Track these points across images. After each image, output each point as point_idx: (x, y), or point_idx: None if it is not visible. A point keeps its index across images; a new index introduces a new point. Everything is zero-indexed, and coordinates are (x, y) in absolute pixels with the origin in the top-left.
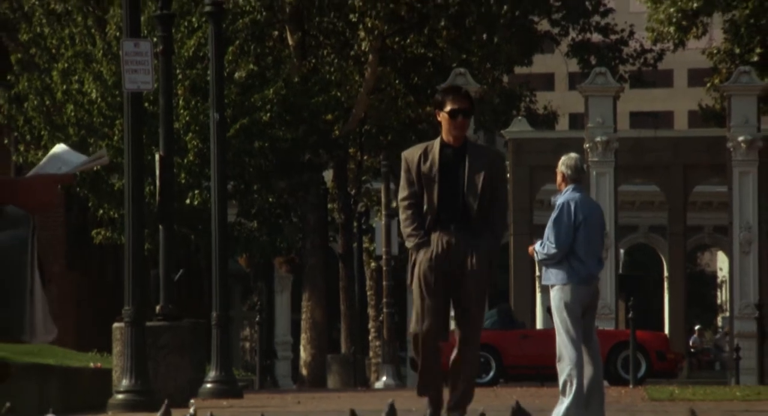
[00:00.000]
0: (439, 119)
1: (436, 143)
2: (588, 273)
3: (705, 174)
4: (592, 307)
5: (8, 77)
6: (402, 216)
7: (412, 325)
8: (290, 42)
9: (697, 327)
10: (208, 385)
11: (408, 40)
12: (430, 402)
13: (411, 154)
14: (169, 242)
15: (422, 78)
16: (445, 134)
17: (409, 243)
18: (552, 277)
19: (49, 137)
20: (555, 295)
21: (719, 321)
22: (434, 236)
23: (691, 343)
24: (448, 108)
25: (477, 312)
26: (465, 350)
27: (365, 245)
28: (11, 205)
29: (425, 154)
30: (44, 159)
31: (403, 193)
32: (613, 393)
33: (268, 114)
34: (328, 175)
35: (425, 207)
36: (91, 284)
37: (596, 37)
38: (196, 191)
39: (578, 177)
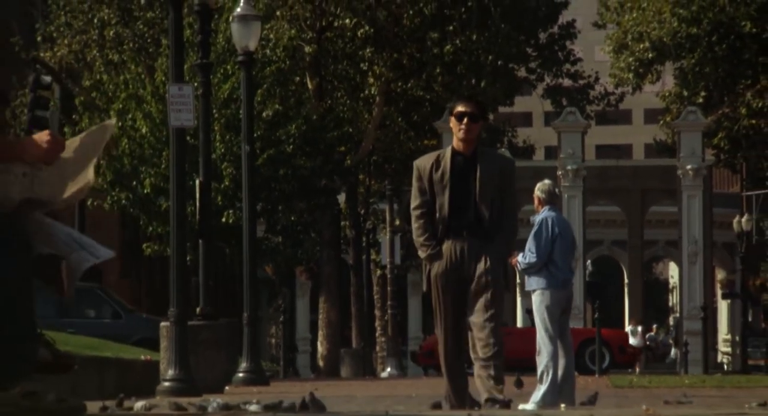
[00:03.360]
0: (451, 125)
1: (448, 151)
2: (564, 278)
3: (659, 197)
4: (568, 308)
5: (73, 116)
6: (414, 225)
7: (437, 331)
8: (310, 86)
9: (654, 326)
10: (240, 375)
11: (409, 85)
12: (456, 394)
13: (423, 162)
14: (208, 254)
15: (421, 116)
16: (455, 141)
17: (422, 253)
18: (533, 283)
19: (107, 166)
20: (536, 299)
21: (671, 321)
22: (446, 245)
23: (648, 340)
24: (455, 111)
25: (493, 312)
26: (486, 340)
27: (372, 256)
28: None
29: (437, 162)
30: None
31: (415, 202)
32: (582, 381)
33: (291, 146)
34: (341, 197)
35: (437, 215)
36: (142, 290)
37: (567, 82)
38: (230, 211)
39: (551, 200)
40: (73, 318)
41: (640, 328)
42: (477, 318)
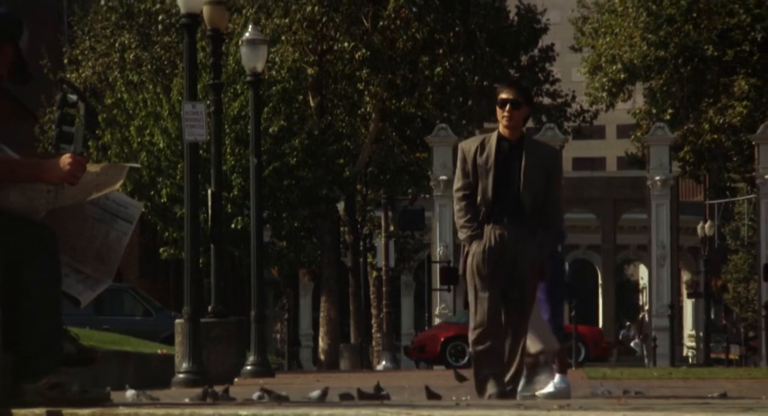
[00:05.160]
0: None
1: (494, 135)
2: None
3: (630, 205)
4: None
5: (97, 132)
6: (456, 207)
7: (471, 319)
8: (312, 104)
9: (627, 323)
10: (248, 367)
11: (402, 103)
12: (495, 381)
13: (468, 145)
14: (219, 257)
15: (413, 131)
16: (500, 127)
17: (462, 235)
18: None
19: (126, 178)
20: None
21: (645, 318)
22: (487, 229)
23: (621, 336)
24: (498, 98)
25: (526, 301)
26: (512, 339)
27: (369, 259)
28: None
29: (482, 146)
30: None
31: (457, 184)
32: None
33: (295, 159)
34: (341, 206)
35: (479, 199)
36: (159, 290)
37: (546, 100)
38: (239, 218)
39: None
40: (107, 316)
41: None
42: (507, 331)
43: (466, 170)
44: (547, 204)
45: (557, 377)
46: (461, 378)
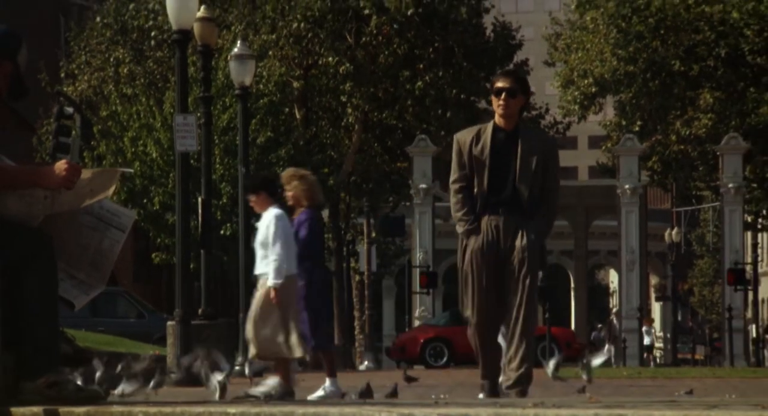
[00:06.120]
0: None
1: (489, 126)
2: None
3: (601, 212)
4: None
5: (92, 142)
6: (452, 200)
7: (467, 312)
8: (297, 116)
9: (599, 326)
10: (237, 368)
11: (384, 115)
12: (488, 379)
13: (463, 136)
14: (208, 262)
15: (394, 142)
16: (496, 116)
17: (459, 228)
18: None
19: (120, 186)
20: None
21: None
22: (484, 221)
23: (592, 338)
24: (493, 87)
25: (528, 288)
26: (516, 327)
27: (352, 264)
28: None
29: (477, 136)
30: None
31: (453, 176)
32: (533, 373)
33: (281, 168)
34: (325, 213)
35: (476, 190)
36: (152, 293)
37: None
38: (228, 225)
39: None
40: (102, 318)
41: (645, 328)
42: (511, 329)
43: (461, 161)
44: (544, 192)
45: (327, 381)
46: (410, 379)
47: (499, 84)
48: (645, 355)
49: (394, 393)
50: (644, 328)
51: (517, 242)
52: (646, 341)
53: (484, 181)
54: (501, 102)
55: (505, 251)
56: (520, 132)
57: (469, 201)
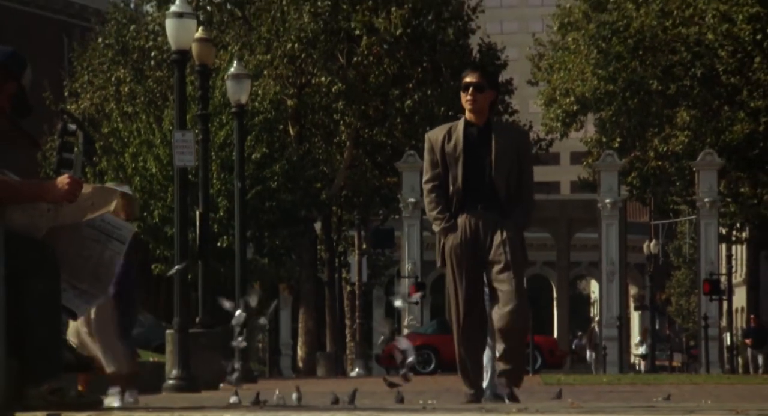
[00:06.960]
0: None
1: (460, 122)
2: None
3: (582, 225)
4: None
5: (94, 158)
6: (426, 199)
7: (450, 313)
8: (291, 133)
9: (580, 334)
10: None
11: (374, 132)
12: (470, 385)
13: (435, 134)
14: (206, 272)
15: (384, 158)
16: (466, 112)
17: (436, 227)
18: None
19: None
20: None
21: (595, 328)
22: (461, 219)
23: (574, 346)
24: (462, 82)
25: (515, 273)
26: (509, 318)
27: (343, 275)
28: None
29: (449, 134)
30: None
31: (426, 175)
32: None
33: (276, 183)
34: (318, 226)
35: (450, 188)
36: (151, 302)
37: None
38: (225, 237)
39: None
40: None
41: (639, 339)
42: (499, 321)
43: (434, 160)
44: (521, 185)
45: (126, 393)
46: (392, 385)
47: (467, 79)
48: (639, 362)
49: (352, 400)
50: (638, 339)
51: (497, 237)
52: (642, 351)
53: (459, 178)
54: (469, 97)
55: (485, 248)
56: (493, 127)
57: (443, 200)
